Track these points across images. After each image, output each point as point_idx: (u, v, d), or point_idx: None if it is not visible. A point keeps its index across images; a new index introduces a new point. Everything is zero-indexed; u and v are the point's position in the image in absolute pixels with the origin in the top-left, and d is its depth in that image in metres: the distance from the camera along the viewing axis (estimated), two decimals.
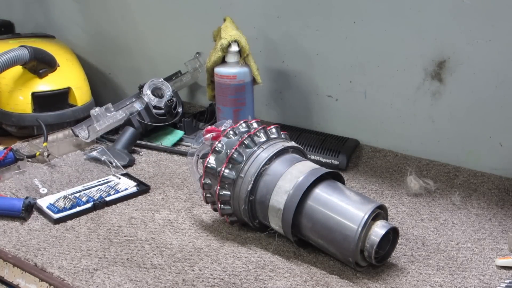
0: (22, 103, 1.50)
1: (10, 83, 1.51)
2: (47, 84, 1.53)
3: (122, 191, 1.19)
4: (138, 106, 1.43)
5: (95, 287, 0.91)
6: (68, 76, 1.58)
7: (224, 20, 1.36)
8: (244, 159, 1.00)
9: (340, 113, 1.40)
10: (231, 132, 1.03)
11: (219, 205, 1.02)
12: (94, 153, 1.34)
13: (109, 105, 1.41)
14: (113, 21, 1.79)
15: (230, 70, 1.33)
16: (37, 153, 1.34)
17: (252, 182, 0.98)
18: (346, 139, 1.35)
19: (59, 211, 1.11)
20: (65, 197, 1.14)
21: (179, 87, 1.58)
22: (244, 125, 1.05)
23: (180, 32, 1.64)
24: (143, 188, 1.21)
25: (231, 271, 0.94)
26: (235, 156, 0.99)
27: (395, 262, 0.95)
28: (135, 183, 1.21)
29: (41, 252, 1.00)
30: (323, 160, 1.29)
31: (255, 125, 1.06)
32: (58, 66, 1.57)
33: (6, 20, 1.97)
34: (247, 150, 1.00)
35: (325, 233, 0.93)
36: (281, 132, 1.06)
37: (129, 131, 1.40)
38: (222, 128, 1.05)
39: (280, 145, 1.02)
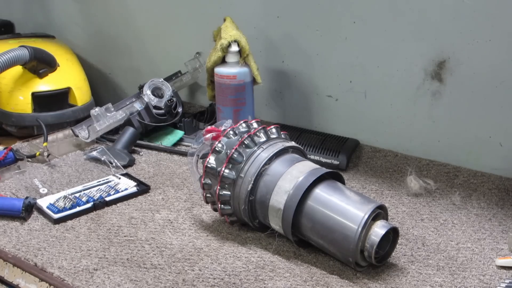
0: (22, 103, 1.50)
1: (10, 83, 1.51)
2: (47, 84, 1.53)
3: (122, 191, 1.19)
4: (138, 106, 1.43)
5: (95, 287, 0.91)
6: (68, 76, 1.59)
7: (224, 20, 1.36)
8: (244, 159, 1.00)
9: (340, 113, 1.40)
10: (231, 132, 1.03)
11: (219, 205, 1.02)
12: (94, 153, 1.34)
13: (109, 105, 1.41)
14: (113, 21, 1.79)
15: (230, 70, 1.33)
16: (37, 153, 1.34)
17: (252, 182, 0.98)
18: (346, 139, 1.35)
19: (59, 211, 1.11)
20: (65, 197, 1.14)
21: (179, 87, 1.58)
22: (244, 125, 1.05)
23: (180, 32, 1.64)
24: (143, 188, 1.21)
25: (231, 271, 0.94)
26: (235, 156, 0.99)
27: (395, 262, 0.95)
28: (135, 183, 1.21)
29: (41, 252, 1.00)
30: (323, 160, 1.29)
31: (255, 125, 1.06)
32: (58, 66, 1.57)
33: (6, 20, 1.97)
34: (247, 150, 1.00)
35: (325, 233, 0.93)
36: (281, 132, 1.06)
37: (129, 131, 1.40)
38: (222, 128, 1.05)
39: (280, 145, 1.02)
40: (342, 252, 0.92)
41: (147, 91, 1.44)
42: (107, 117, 1.39)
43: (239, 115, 1.34)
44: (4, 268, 1.00)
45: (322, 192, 0.96)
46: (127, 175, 1.26)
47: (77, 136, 1.40)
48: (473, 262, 0.95)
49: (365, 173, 1.27)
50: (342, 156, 1.29)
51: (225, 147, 1.01)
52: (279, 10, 1.42)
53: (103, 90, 1.87)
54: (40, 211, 1.13)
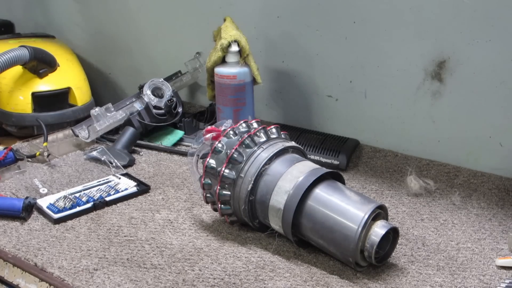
0: (22, 103, 1.50)
1: (10, 83, 1.51)
2: (47, 84, 1.53)
3: (122, 191, 1.19)
4: (138, 106, 1.43)
5: (95, 287, 0.91)
6: (68, 76, 1.59)
7: (224, 20, 1.36)
8: (244, 159, 1.00)
9: (340, 113, 1.40)
10: (231, 132, 1.03)
11: (219, 205, 1.02)
12: (94, 153, 1.34)
13: (109, 105, 1.41)
14: (113, 21, 1.79)
15: (230, 70, 1.33)
16: (37, 153, 1.34)
17: (252, 182, 0.98)
18: (346, 139, 1.35)
19: (59, 211, 1.11)
20: (65, 197, 1.14)
21: (179, 87, 1.58)
22: (244, 125, 1.05)
23: (180, 32, 1.64)
24: (143, 188, 1.20)
25: (231, 271, 0.94)
26: (235, 156, 0.99)
27: (395, 262, 0.95)
28: (135, 183, 1.21)
29: (41, 252, 1.00)
30: (323, 160, 1.29)
31: (255, 125, 1.06)
32: (58, 66, 1.57)
33: (6, 20, 1.97)
34: (247, 150, 1.00)
35: (325, 233, 0.93)
36: (281, 132, 1.06)
37: (129, 131, 1.40)
38: (222, 128, 1.05)
39: (280, 145, 1.02)
40: (342, 252, 0.92)
41: (147, 91, 1.44)
42: (107, 117, 1.39)
43: (239, 115, 1.34)
44: (4, 268, 1.00)
45: (322, 192, 0.96)
46: (127, 175, 1.26)
47: (77, 136, 1.40)
48: (473, 262, 0.95)
49: (365, 173, 1.27)
50: (342, 156, 1.29)
51: (225, 147, 1.01)
52: (279, 10, 1.42)
53: (103, 90, 1.87)
54: (40, 211, 1.13)
